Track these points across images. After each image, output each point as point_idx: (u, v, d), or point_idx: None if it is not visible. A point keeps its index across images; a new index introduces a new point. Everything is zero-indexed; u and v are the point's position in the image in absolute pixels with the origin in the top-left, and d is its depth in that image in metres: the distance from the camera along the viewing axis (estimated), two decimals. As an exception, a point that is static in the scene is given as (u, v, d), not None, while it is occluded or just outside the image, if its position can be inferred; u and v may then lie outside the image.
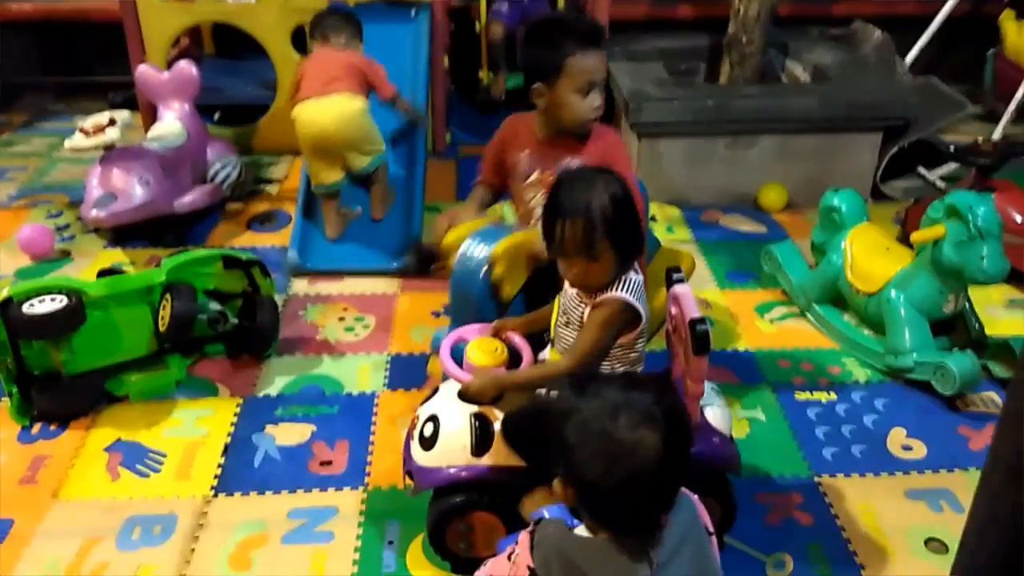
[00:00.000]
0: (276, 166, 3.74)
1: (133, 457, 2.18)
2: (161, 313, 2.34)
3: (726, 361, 2.56)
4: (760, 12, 3.54)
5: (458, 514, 1.80)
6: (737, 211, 3.45)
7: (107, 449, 2.20)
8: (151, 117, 3.40)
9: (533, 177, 2.18)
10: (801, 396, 2.43)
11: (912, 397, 2.42)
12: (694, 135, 3.38)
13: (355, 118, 2.89)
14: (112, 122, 2.91)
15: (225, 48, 4.24)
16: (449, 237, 2.15)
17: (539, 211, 2.16)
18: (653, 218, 3.32)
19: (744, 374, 2.51)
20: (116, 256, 3.01)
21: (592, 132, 2.10)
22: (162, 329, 2.33)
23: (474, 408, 1.78)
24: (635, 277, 1.70)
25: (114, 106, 3.91)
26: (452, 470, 1.76)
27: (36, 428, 2.27)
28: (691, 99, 3.40)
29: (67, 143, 2.95)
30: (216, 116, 3.86)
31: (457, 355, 1.83)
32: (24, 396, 2.26)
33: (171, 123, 3.21)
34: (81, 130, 2.93)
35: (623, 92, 3.43)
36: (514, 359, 1.84)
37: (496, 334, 1.90)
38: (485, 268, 2.02)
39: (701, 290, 2.90)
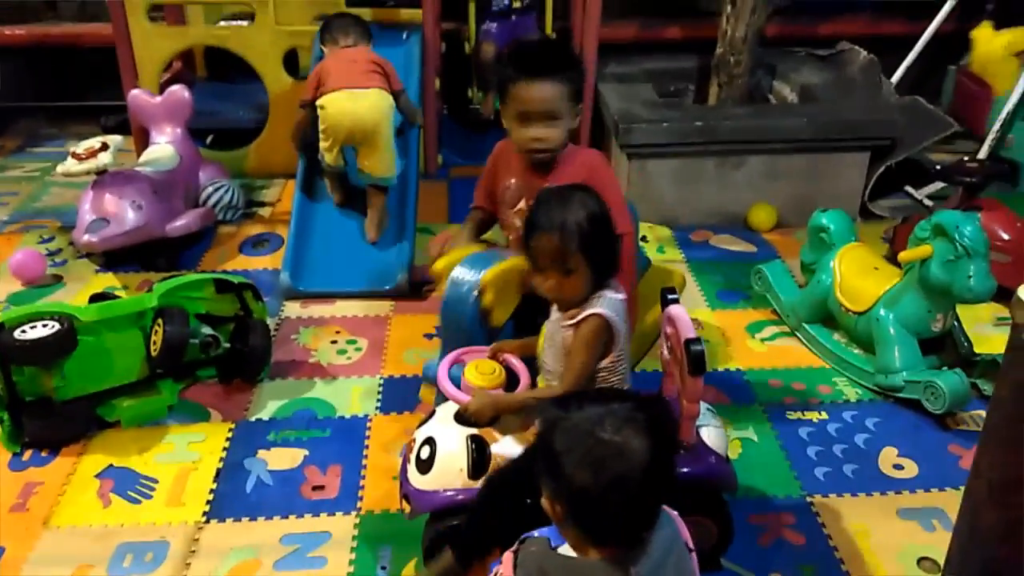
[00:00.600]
0: (268, 189, 3.75)
1: (125, 483, 2.17)
2: (153, 338, 2.34)
3: (717, 381, 2.57)
4: (747, 33, 3.58)
5: (449, 539, 1.79)
6: (727, 231, 3.47)
7: (98, 475, 2.20)
8: (144, 141, 3.41)
9: (520, 205, 2.19)
10: (792, 416, 2.44)
11: (903, 416, 2.43)
12: (683, 156, 3.41)
13: (388, 114, 3.06)
14: (104, 147, 2.92)
15: (217, 71, 4.26)
16: (440, 263, 2.15)
17: None
18: (644, 238, 3.34)
19: (735, 394, 2.52)
20: (108, 281, 3.02)
21: (566, 156, 2.10)
22: (154, 354, 2.33)
23: (471, 431, 1.79)
24: (612, 295, 1.70)
25: (106, 130, 3.93)
26: (448, 493, 1.77)
27: (27, 455, 2.26)
28: (680, 120, 3.44)
29: (59, 168, 2.95)
30: (208, 139, 3.88)
31: (455, 376, 1.84)
32: (15, 422, 2.25)
33: (163, 147, 3.22)
34: (73, 155, 2.93)
35: (612, 113, 3.46)
36: (512, 381, 1.85)
37: (494, 356, 1.91)
38: (475, 294, 2.03)
39: (692, 310, 2.91)
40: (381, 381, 2.56)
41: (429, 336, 2.76)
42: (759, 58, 3.74)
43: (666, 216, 3.48)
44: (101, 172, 2.92)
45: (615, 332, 1.70)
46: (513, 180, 2.18)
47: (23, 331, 2.17)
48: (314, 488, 2.16)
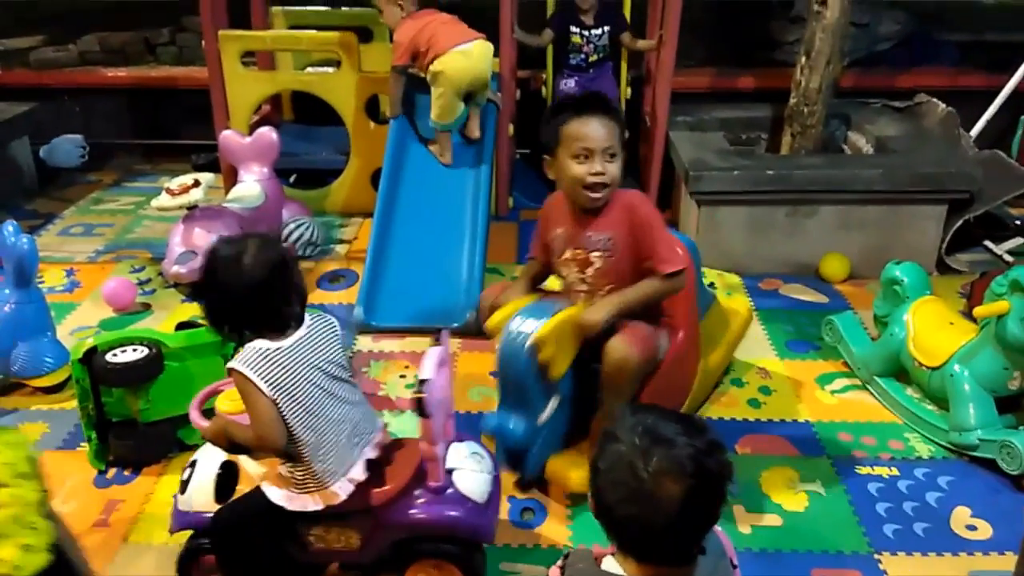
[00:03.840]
0: (346, 227, 3.89)
1: (200, 504, 2.25)
2: (233, 366, 2.44)
3: (785, 432, 2.54)
4: (822, 84, 3.58)
5: (202, 555, 1.87)
6: (798, 280, 3.44)
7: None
8: (232, 179, 3.58)
9: (567, 255, 2.23)
10: (862, 470, 2.39)
11: (977, 475, 2.36)
12: (754, 204, 3.41)
13: (491, 58, 3.43)
14: (196, 183, 3.09)
15: (303, 114, 4.46)
16: (494, 319, 2.17)
17: (578, 288, 2.22)
18: (712, 285, 3.33)
19: (804, 446, 2.49)
20: (193, 310, 3.14)
21: (611, 201, 2.15)
22: (233, 381, 2.42)
23: (226, 456, 1.87)
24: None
25: (197, 168, 4.14)
26: (195, 514, 1.85)
27: (111, 473, 2.37)
28: (751, 168, 3.45)
29: (153, 202, 3.13)
30: (292, 178, 4.05)
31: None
32: (102, 441, 2.37)
33: (250, 185, 3.38)
34: (167, 190, 3.11)
35: (683, 161, 3.49)
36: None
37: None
38: (529, 345, 2.03)
39: (760, 358, 2.89)
40: (447, 417, 2.61)
41: (495, 375, 2.79)
42: (833, 109, 3.74)
43: (735, 264, 3.48)
44: (192, 207, 3.09)
45: None
46: (561, 229, 2.23)
47: (114, 355, 2.30)
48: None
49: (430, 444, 1.75)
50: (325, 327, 1.80)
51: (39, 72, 4.71)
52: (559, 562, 1.34)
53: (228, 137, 3.50)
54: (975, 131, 3.79)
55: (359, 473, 1.78)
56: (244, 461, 1.88)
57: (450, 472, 1.84)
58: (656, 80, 3.89)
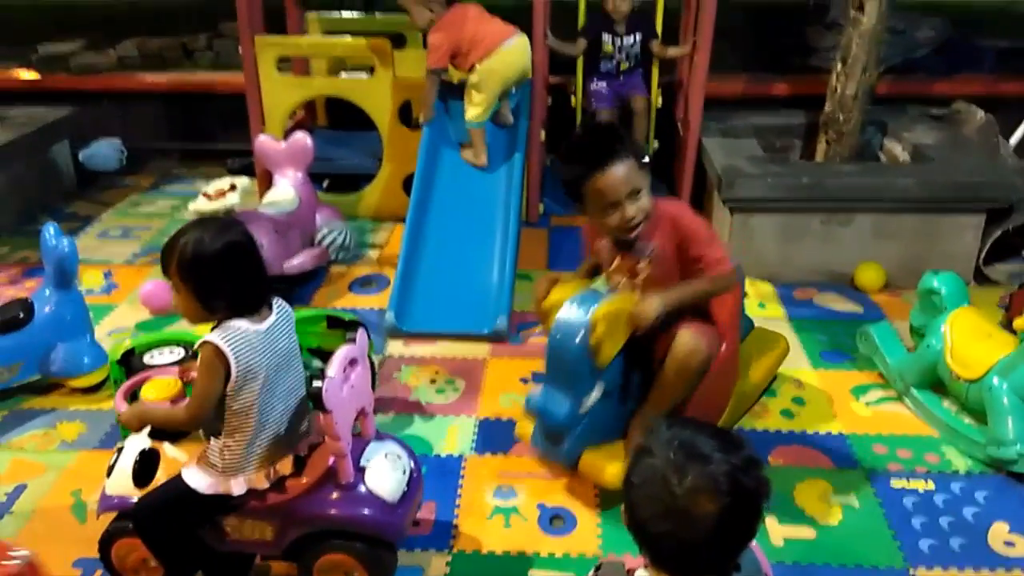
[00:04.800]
0: (378, 232, 3.92)
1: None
2: (266, 369, 2.46)
3: (818, 443, 2.52)
4: (858, 91, 3.55)
5: (119, 537, 1.91)
6: (832, 289, 3.41)
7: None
8: (267, 183, 3.62)
9: (616, 263, 2.25)
10: (897, 484, 2.36)
11: (1016, 490, 2.32)
12: (788, 211, 3.38)
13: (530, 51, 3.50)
14: (233, 187, 3.13)
15: (337, 119, 4.50)
16: (549, 300, 2.23)
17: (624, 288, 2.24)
18: (744, 293, 3.30)
19: (838, 458, 2.46)
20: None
21: (655, 212, 2.16)
22: (266, 384, 2.45)
23: (148, 444, 1.93)
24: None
25: (232, 172, 4.20)
26: (118, 498, 1.91)
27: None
28: (785, 176, 3.42)
29: (191, 205, 3.17)
30: (325, 183, 4.09)
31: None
32: (138, 441, 2.40)
33: (285, 189, 3.42)
34: (204, 194, 3.15)
35: (716, 168, 3.47)
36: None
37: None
38: (583, 331, 2.07)
39: (794, 369, 2.87)
40: (477, 422, 2.62)
41: (525, 380, 2.80)
42: (869, 116, 3.69)
43: (769, 272, 3.45)
44: (229, 211, 3.12)
45: None
46: (606, 240, 2.27)
47: (151, 356, 2.34)
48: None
49: (335, 440, 1.78)
50: (287, 315, 1.86)
51: (79, 77, 4.80)
52: (591, 573, 1.34)
53: (263, 142, 3.55)
54: (1015, 139, 3.73)
55: (287, 467, 1.85)
56: (167, 447, 1.94)
57: (362, 470, 1.87)
58: (689, 86, 3.88)
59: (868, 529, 2.19)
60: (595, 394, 2.15)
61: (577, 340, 2.08)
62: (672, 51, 4.03)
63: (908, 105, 4.12)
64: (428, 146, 3.55)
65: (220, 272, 1.71)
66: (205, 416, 1.76)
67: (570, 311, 2.12)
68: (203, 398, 1.73)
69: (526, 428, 2.35)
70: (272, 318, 1.79)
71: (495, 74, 3.38)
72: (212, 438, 1.81)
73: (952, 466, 2.43)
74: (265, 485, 1.82)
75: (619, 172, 2.07)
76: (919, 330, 2.72)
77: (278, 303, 1.85)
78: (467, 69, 3.42)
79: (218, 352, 1.69)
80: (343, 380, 1.79)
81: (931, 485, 2.35)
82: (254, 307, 1.77)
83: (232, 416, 1.77)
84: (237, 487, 1.81)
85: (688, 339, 2.12)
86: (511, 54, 3.40)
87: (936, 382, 2.63)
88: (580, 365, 2.11)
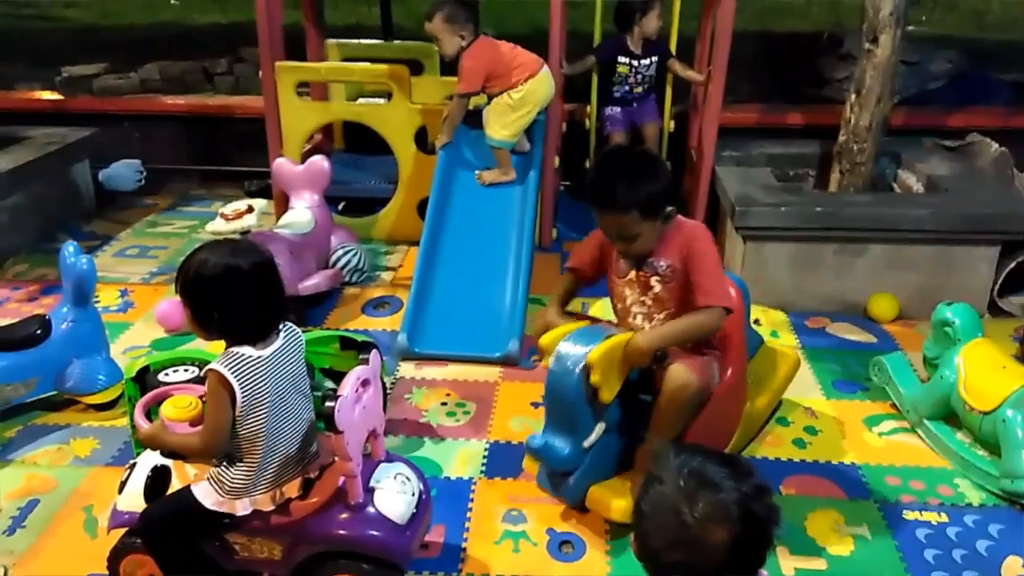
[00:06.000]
0: (392, 255, 3.95)
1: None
2: (279, 388, 2.48)
3: (830, 473, 2.50)
4: (872, 122, 3.56)
5: (128, 553, 1.93)
6: (845, 319, 3.40)
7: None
8: (284, 205, 3.66)
9: (630, 275, 2.26)
10: (910, 515, 2.33)
11: (1030, 525, 2.30)
12: (801, 240, 3.38)
13: None
14: (250, 209, 3.17)
15: (353, 143, 4.55)
16: (547, 337, 2.21)
17: (636, 310, 2.24)
18: (756, 321, 3.30)
19: (850, 488, 2.44)
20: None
21: (674, 229, 2.19)
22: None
23: (161, 461, 1.92)
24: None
25: (249, 194, 4.25)
26: (129, 514, 1.91)
27: (158, 490, 2.41)
28: (799, 205, 3.42)
29: (208, 226, 3.21)
30: (340, 206, 4.13)
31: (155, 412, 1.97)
32: (151, 459, 2.41)
33: (301, 211, 3.46)
34: (221, 215, 3.19)
35: (729, 195, 3.49)
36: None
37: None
38: (580, 368, 2.06)
39: (806, 398, 2.85)
40: (487, 445, 2.62)
41: (535, 405, 2.80)
42: (884, 147, 3.70)
43: (781, 300, 3.45)
44: (245, 232, 3.16)
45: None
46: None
47: (165, 374, 2.35)
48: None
49: (345, 461, 1.78)
50: (296, 340, 1.86)
51: (101, 98, 4.88)
52: None
53: (281, 164, 3.59)
54: (1030, 172, 3.73)
55: (294, 490, 1.85)
56: (179, 464, 1.93)
57: (372, 491, 1.86)
58: (703, 115, 3.90)
59: (880, 561, 2.17)
60: (597, 431, 2.15)
61: (574, 382, 2.07)
62: (691, 73, 4.06)
63: (922, 137, 4.13)
64: (443, 170, 3.59)
65: (214, 296, 1.72)
66: (220, 444, 1.76)
67: (567, 349, 2.11)
68: (215, 426, 1.73)
69: (533, 464, 2.35)
70: (279, 343, 1.79)
71: (535, 95, 3.47)
72: (223, 463, 1.82)
73: (966, 499, 2.41)
74: (271, 507, 1.83)
75: (611, 219, 2.15)
76: (932, 361, 2.71)
77: (287, 327, 1.85)
78: (505, 89, 3.45)
79: (222, 380, 1.70)
80: (355, 401, 1.80)
81: (944, 517, 2.33)
82: (252, 334, 1.75)
83: (240, 442, 1.77)
84: (242, 508, 1.81)
85: (679, 373, 2.11)
86: (545, 81, 3.49)
87: (950, 414, 2.62)
88: (579, 406, 2.10)
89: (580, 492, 2.22)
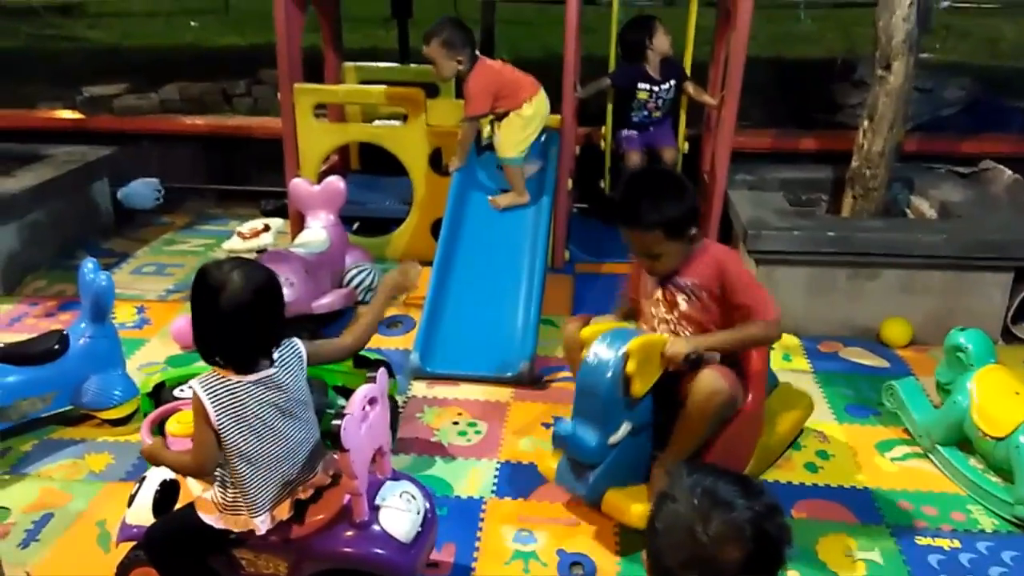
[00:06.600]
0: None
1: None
2: (292, 406, 2.50)
3: (842, 498, 2.49)
4: (885, 148, 3.57)
5: (136, 566, 1.94)
6: (858, 344, 3.39)
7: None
8: (299, 225, 3.70)
9: (657, 294, 2.30)
10: (922, 541, 2.32)
11: (1045, 552, 2.28)
12: (814, 265, 3.39)
13: None
14: (267, 228, 3.21)
15: (369, 164, 4.60)
16: (588, 331, 2.26)
17: (662, 328, 2.28)
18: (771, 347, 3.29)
19: (862, 513, 2.43)
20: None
21: (697, 252, 2.25)
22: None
23: (169, 475, 1.94)
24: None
25: (266, 213, 4.29)
26: (137, 528, 1.93)
27: (171, 505, 2.43)
28: (812, 229, 3.43)
29: (225, 244, 3.25)
30: (355, 226, 4.16)
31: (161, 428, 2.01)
32: (165, 474, 2.43)
33: (317, 231, 3.49)
34: (238, 234, 3.23)
35: (742, 219, 3.50)
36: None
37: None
38: (616, 360, 2.11)
39: (819, 422, 2.85)
40: (498, 465, 2.62)
41: (546, 425, 2.81)
42: (897, 173, 3.71)
43: (794, 324, 3.44)
44: (261, 251, 3.20)
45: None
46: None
47: (180, 390, 2.38)
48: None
49: (351, 478, 1.79)
50: (294, 359, 1.83)
51: (122, 118, 4.96)
52: None
53: (298, 185, 3.63)
54: (1043, 198, 3.72)
55: (284, 512, 1.84)
56: (187, 480, 1.94)
57: (377, 509, 1.87)
58: (716, 139, 3.92)
59: (892, 587, 2.16)
60: (624, 429, 2.16)
61: (609, 374, 2.11)
62: (706, 97, 4.09)
63: (935, 163, 4.13)
64: (457, 191, 3.62)
65: (197, 313, 1.75)
66: (210, 463, 1.76)
67: (604, 344, 2.16)
68: (199, 444, 1.74)
69: (550, 464, 2.35)
70: (267, 371, 1.77)
71: (540, 112, 3.56)
72: (217, 481, 1.82)
73: (979, 525, 2.39)
74: (262, 531, 1.82)
75: (636, 236, 2.21)
76: (945, 386, 2.70)
77: (287, 344, 1.83)
78: (512, 109, 3.51)
79: (198, 399, 1.71)
80: (361, 419, 1.81)
81: (957, 543, 2.31)
82: (236, 363, 1.74)
83: (225, 463, 1.77)
84: (239, 526, 1.82)
85: (710, 379, 2.14)
86: (544, 99, 3.59)
87: (962, 439, 2.61)
88: (611, 398, 2.13)
89: (599, 490, 2.23)
